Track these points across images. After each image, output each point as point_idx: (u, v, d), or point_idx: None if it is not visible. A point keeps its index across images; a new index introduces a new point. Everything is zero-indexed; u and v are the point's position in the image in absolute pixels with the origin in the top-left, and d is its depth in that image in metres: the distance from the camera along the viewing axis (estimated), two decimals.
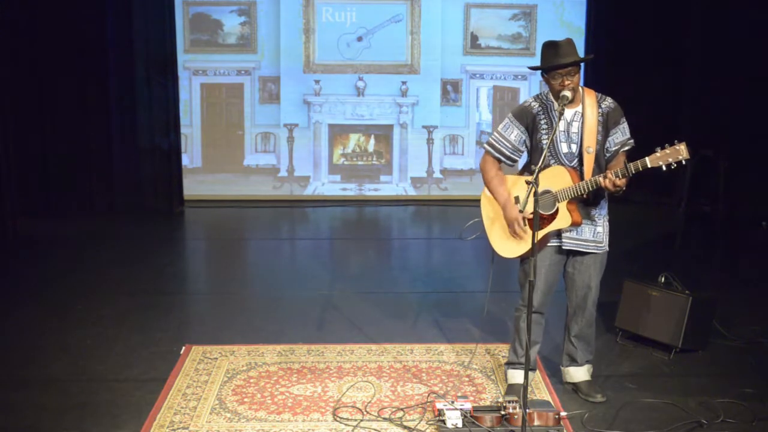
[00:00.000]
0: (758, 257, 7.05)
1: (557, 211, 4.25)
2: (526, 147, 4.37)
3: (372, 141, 9.14)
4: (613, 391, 4.57)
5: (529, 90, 8.92)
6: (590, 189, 4.19)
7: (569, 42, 4.17)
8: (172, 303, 6.03)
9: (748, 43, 7.92)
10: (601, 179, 4.12)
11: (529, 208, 4.04)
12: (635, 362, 4.98)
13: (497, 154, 4.38)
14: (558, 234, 4.32)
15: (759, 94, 7.84)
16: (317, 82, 8.95)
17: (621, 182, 4.11)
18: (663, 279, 5.16)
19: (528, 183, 3.89)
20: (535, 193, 3.83)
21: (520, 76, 8.95)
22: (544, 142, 4.26)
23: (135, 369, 4.86)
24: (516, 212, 4.26)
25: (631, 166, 4.08)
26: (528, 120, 4.31)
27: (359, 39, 8.89)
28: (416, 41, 8.94)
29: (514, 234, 4.30)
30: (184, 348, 5.11)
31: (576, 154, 4.28)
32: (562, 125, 4.25)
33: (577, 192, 4.20)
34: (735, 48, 8.04)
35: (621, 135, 4.32)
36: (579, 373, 4.57)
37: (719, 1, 8.18)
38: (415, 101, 9.04)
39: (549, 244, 4.34)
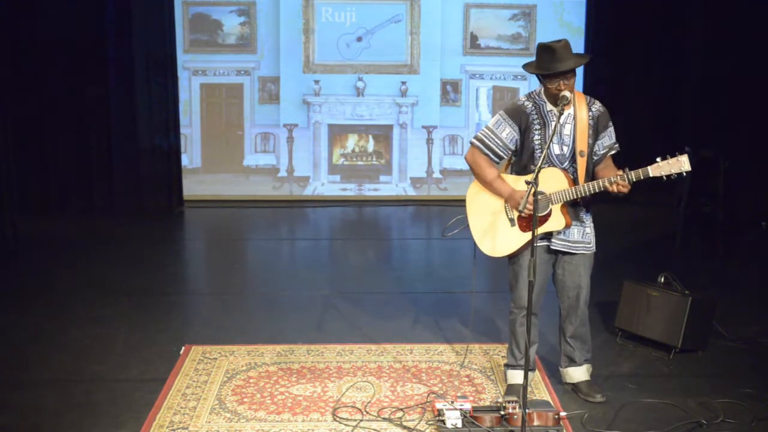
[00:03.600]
0: (758, 257, 7.05)
1: (550, 213, 4.25)
2: (517, 146, 4.36)
3: (371, 141, 9.14)
4: (613, 391, 4.57)
5: (529, 90, 8.86)
6: (588, 193, 4.20)
7: (565, 45, 4.16)
8: (172, 303, 6.04)
9: (747, 43, 7.92)
10: (607, 184, 4.14)
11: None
12: (635, 362, 4.98)
13: (486, 151, 4.36)
14: (546, 235, 4.32)
15: (759, 94, 7.84)
16: (317, 82, 8.95)
17: (627, 187, 4.13)
18: (663, 279, 5.16)
19: (528, 183, 3.90)
20: (535, 194, 3.84)
21: (519, 76, 8.94)
22: (536, 142, 4.27)
23: (135, 369, 4.87)
24: (520, 192, 4.23)
25: (632, 174, 4.11)
26: (522, 120, 4.30)
27: (359, 39, 8.89)
28: (416, 41, 8.94)
29: (517, 209, 4.22)
30: (183, 348, 5.11)
31: (567, 156, 4.29)
32: (553, 125, 4.24)
33: (574, 195, 4.20)
34: (735, 48, 8.04)
35: (609, 139, 4.36)
36: (578, 373, 4.57)
37: (719, 1, 8.18)
38: (415, 101, 9.04)
39: (537, 245, 4.33)
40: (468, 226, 4.46)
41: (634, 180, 4.12)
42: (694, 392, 4.57)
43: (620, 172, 4.17)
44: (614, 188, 4.15)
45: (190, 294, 6.43)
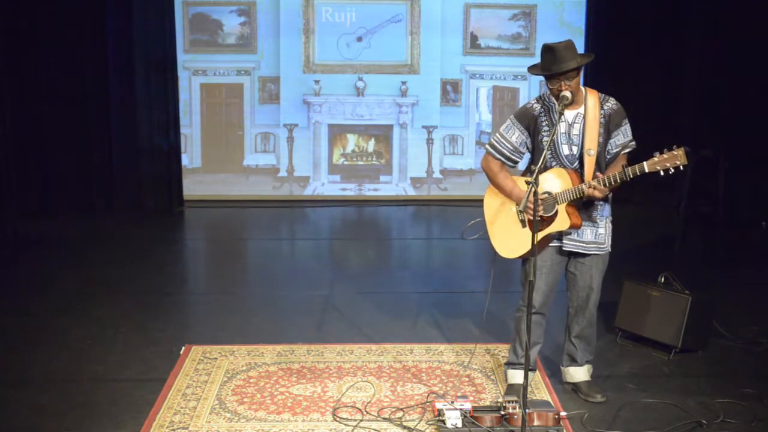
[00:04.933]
0: (758, 257, 7.05)
1: (556, 213, 4.25)
2: (528, 148, 4.37)
3: (372, 141, 9.14)
4: (613, 391, 4.57)
5: (529, 90, 8.92)
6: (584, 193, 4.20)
7: (567, 46, 4.15)
8: (172, 303, 6.04)
9: (747, 43, 7.92)
10: (585, 188, 4.14)
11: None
12: (635, 362, 4.98)
13: (498, 155, 4.39)
14: (559, 235, 4.33)
15: (759, 94, 7.84)
16: (317, 82, 8.95)
17: (603, 191, 4.12)
18: (663, 279, 5.16)
19: (528, 183, 3.90)
20: (535, 193, 3.84)
21: (519, 76, 8.94)
22: (545, 143, 4.26)
23: (135, 369, 4.87)
24: (523, 191, 4.24)
25: (629, 170, 4.09)
26: (529, 121, 4.31)
27: (359, 39, 8.89)
28: (416, 41, 8.94)
29: (527, 211, 4.24)
30: (183, 348, 5.11)
31: (577, 156, 4.28)
32: (563, 127, 4.25)
33: (576, 194, 4.20)
34: (735, 48, 8.04)
35: (623, 137, 4.33)
36: (579, 373, 4.57)
37: (720, 1, 8.18)
38: (415, 101, 9.04)
39: (550, 245, 4.34)
40: (485, 228, 4.49)
41: (631, 176, 4.11)
42: (694, 392, 4.57)
43: (600, 175, 4.17)
44: (590, 192, 4.15)
45: (190, 294, 6.43)
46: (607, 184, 4.13)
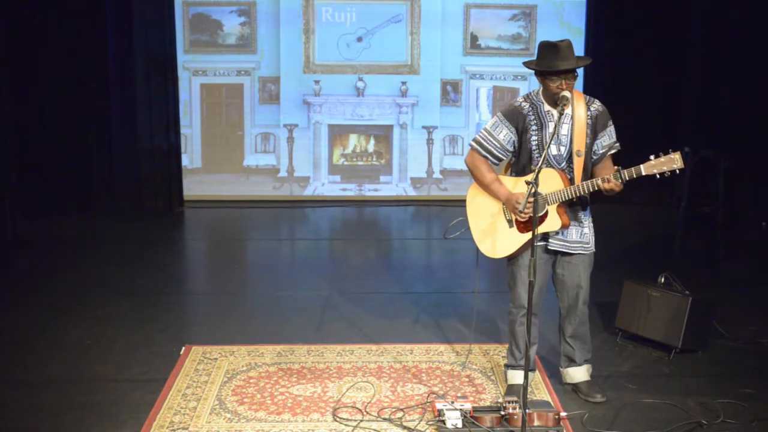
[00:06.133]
0: (758, 257, 7.05)
1: (546, 213, 4.25)
2: (515, 147, 4.36)
3: (372, 141, 9.14)
4: (613, 391, 4.57)
5: (529, 90, 8.88)
6: (583, 192, 4.19)
7: (569, 45, 4.15)
8: (172, 303, 6.04)
9: (748, 43, 7.92)
10: (600, 183, 4.14)
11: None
12: (635, 362, 4.98)
13: (484, 153, 4.37)
14: (544, 235, 4.32)
15: (759, 94, 7.84)
16: (317, 82, 8.95)
17: (619, 186, 4.13)
18: (663, 279, 5.16)
19: (528, 183, 3.90)
20: (535, 194, 3.84)
21: (519, 77, 8.95)
22: (533, 143, 4.26)
23: (134, 369, 4.87)
24: (517, 194, 4.23)
25: (626, 173, 4.10)
26: (519, 121, 4.30)
27: (359, 39, 8.89)
28: (416, 41, 8.94)
29: (519, 214, 4.23)
30: (183, 348, 5.11)
31: (564, 156, 4.28)
32: (552, 127, 4.23)
33: (569, 195, 4.20)
34: (735, 48, 8.04)
35: (608, 138, 4.35)
36: (578, 374, 4.57)
37: (719, 1, 8.18)
38: (415, 101, 9.04)
39: (536, 244, 4.33)
40: (469, 227, 4.47)
41: (627, 179, 4.12)
42: (694, 392, 4.57)
43: (614, 169, 4.18)
44: (606, 186, 4.15)
45: (190, 294, 6.43)
46: (625, 179, 4.10)
